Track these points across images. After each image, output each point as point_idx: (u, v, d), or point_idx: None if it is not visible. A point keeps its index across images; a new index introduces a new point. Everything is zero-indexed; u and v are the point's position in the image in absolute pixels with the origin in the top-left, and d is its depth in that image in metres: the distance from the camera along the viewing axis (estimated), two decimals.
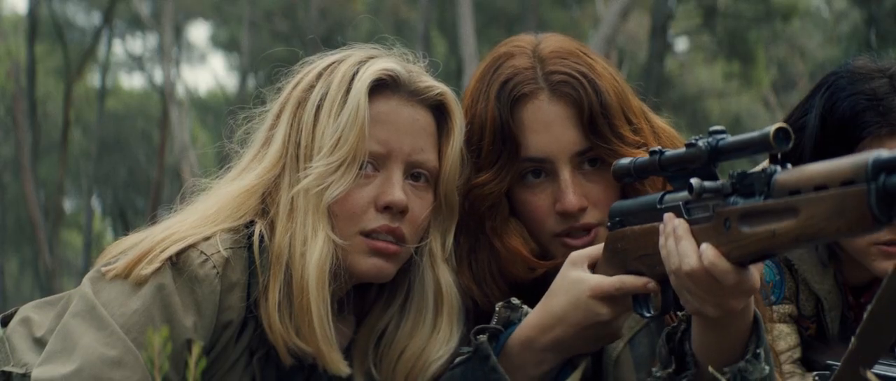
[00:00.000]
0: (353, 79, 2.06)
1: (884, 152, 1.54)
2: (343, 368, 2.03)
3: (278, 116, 2.11)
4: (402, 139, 2.06)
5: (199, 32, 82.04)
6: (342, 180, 2.01)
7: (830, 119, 2.41)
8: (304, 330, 1.98)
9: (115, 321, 1.91)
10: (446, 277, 2.15)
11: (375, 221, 2.03)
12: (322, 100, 2.06)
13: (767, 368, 1.92)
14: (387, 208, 2.03)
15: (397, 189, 2.04)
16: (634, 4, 18.43)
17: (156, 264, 1.94)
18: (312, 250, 1.98)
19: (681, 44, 26.00)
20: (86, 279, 1.99)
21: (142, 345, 1.89)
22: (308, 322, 1.97)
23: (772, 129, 1.67)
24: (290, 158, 2.06)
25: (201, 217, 2.03)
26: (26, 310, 2.12)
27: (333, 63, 2.11)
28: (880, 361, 2.28)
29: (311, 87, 2.09)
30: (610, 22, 16.41)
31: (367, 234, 2.03)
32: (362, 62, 2.09)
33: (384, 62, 2.09)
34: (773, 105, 22.79)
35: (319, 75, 2.10)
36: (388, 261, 2.05)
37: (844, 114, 2.39)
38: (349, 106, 2.03)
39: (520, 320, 2.08)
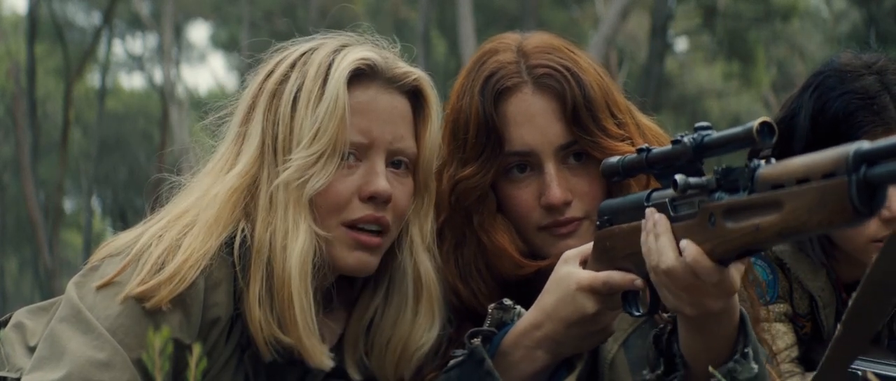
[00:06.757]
0: (329, 68, 2.04)
1: (865, 144, 1.53)
2: (326, 361, 2.02)
3: (251, 110, 2.09)
4: (384, 128, 2.05)
5: (199, 32, 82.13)
6: (323, 172, 2.00)
7: (822, 120, 2.39)
8: (286, 323, 1.97)
9: (100, 323, 1.90)
10: (426, 265, 2.14)
11: (359, 211, 2.03)
12: (298, 91, 2.03)
13: (756, 367, 1.91)
14: (371, 198, 2.03)
15: (382, 178, 2.03)
16: (634, 4, 18.43)
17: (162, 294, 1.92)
18: (294, 244, 1.96)
19: (681, 44, 26.01)
20: (71, 284, 1.98)
21: (128, 346, 1.89)
22: (290, 315, 1.96)
23: (755, 123, 1.66)
24: (267, 151, 2.04)
25: (205, 227, 1.99)
26: (20, 315, 2.11)
27: (306, 53, 2.08)
28: (880, 361, 2.27)
29: (285, 78, 2.06)
30: (610, 22, 16.41)
31: (351, 224, 2.03)
32: (337, 51, 2.07)
33: (361, 51, 2.07)
34: (773, 105, 22.77)
35: (292, 66, 2.07)
36: (371, 254, 2.05)
37: (837, 114, 2.37)
38: (328, 96, 2.01)
39: (513, 321, 2.08)
